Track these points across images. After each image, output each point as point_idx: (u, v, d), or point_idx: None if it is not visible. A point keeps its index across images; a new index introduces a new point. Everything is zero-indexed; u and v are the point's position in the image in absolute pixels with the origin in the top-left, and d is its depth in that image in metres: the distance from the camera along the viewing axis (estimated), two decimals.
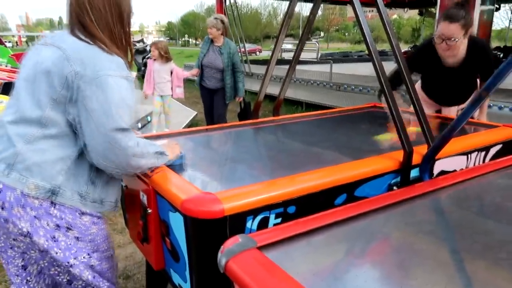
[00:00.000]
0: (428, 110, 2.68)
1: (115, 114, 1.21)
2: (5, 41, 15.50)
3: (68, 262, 1.33)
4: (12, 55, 11.26)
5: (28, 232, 1.25)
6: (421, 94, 2.77)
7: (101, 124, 1.21)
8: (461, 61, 2.36)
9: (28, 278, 1.44)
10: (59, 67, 1.23)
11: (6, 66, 8.64)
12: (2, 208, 1.23)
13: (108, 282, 1.46)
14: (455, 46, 2.26)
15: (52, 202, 1.25)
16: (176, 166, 1.51)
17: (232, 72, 4.59)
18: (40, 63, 1.26)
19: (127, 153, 1.26)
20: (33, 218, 1.24)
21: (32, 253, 1.34)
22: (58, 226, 1.27)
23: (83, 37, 1.28)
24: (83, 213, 1.32)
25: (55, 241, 1.28)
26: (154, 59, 4.93)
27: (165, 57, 4.85)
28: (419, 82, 2.75)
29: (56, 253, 1.30)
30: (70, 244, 1.31)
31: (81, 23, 1.29)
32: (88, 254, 1.37)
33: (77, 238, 1.32)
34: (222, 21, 4.46)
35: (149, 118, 5.36)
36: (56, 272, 1.38)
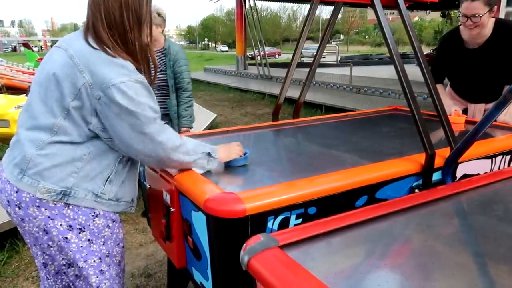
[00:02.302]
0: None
1: (140, 112, 1.23)
2: (32, 46, 15.98)
3: (77, 264, 1.35)
4: (38, 59, 11.62)
5: (44, 230, 1.30)
6: (450, 91, 2.75)
7: (132, 124, 1.23)
8: (485, 41, 2.37)
9: (47, 276, 1.49)
10: (70, 76, 1.22)
11: (34, 69, 8.92)
12: (19, 208, 1.28)
13: None
14: (480, 23, 2.27)
15: (66, 203, 1.28)
16: (239, 167, 1.52)
17: (176, 90, 2.98)
18: (51, 68, 1.26)
19: (166, 147, 1.29)
20: (47, 219, 1.28)
21: (51, 251, 1.37)
22: (70, 226, 1.30)
23: (91, 41, 1.26)
24: (96, 216, 1.34)
25: (67, 242, 1.31)
26: None
27: None
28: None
29: (67, 253, 1.33)
30: (81, 246, 1.33)
31: (93, 26, 1.27)
32: (100, 259, 1.39)
33: (89, 241, 1.34)
34: (159, 14, 2.83)
35: None
36: (69, 272, 1.42)
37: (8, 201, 1.30)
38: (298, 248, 1.02)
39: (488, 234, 1.14)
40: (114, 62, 1.23)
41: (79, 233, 1.31)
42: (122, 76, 1.22)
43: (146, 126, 1.24)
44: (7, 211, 1.35)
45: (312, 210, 1.32)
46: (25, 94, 5.70)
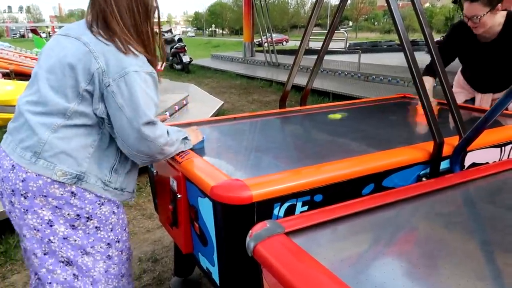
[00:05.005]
0: (463, 98, 2.63)
1: (143, 109, 1.24)
2: (40, 32, 15.99)
3: (84, 250, 1.35)
4: None
5: (49, 220, 1.29)
6: (458, 80, 2.72)
7: (131, 119, 1.24)
8: (496, 36, 2.32)
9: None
10: (85, 62, 1.24)
11: None
12: (25, 198, 1.27)
13: (121, 275, 1.48)
14: (481, 23, 2.23)
15: (72, 193, 1.29)
16: (197, 150, 1.57)
17: None
18: (64, 56, 1.27)
19: (158, 144, 1.31)
20: (54, 208, 1.28)
21: (50, 244, 1.34)
22: (78, 215, 1.31)
23: (101, 35, 1.28)
24: (102, 203, 1.35)
25: (73, 229, 1.32)
26: None
27: None
28: (460, 68, 2.73)
29: (75, 240, 1.33)
30: (88, 233, 1.34)
31: (104, 18, 1.28)
32: (108, 244, 1.40)
33: (97, 228, 1.36)
34: None
35: (176, 107, 5.44)
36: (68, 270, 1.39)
37: (12, 190, 1.28)
38: (304, 235, 1.03)
39: (496, 223, 1.13)
40: (127, 54, 1.27)
41: (87, 221, 1.33)
42: (134, 66, 1.26)
43: (143, 125, 1.25)
44: (5, 202, 1.32)
45: (318, 198, 1.32)
46: None
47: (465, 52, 2.53)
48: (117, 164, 1.38)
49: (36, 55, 8.79)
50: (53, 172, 1.26)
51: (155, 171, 1.76)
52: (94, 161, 1.31)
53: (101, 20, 1.29)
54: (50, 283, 1.35)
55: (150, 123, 1.27)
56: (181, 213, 1.51)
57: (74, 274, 1.35)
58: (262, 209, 1.21)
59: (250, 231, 1.01)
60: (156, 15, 1.40)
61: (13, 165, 1.28)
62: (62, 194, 1.28)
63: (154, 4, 1.37)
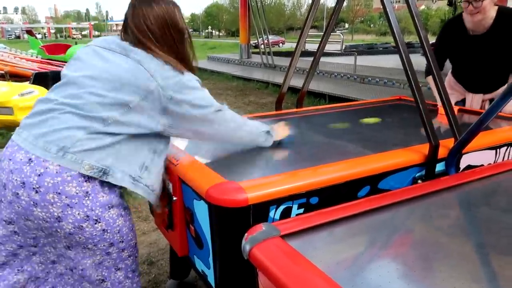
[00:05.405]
0: (454, 100, 2.64)
1: (210, 99, 1.42)
2: (35, 33, 15.92)
3: (86, 246, 1.35)
4: (42, 46, 11.58)
5: (58, 217, 1.29)
6: (449, 81, 2.73)
7: (204, 116, 1.38)
8: (488, 29, 2.34)
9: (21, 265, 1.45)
10: (140, 79, 1.29)
11: (37, 57, 8.89)
12: (36, 192, 1.26)
13: (116, 268, 1.47)
14: (482, 8, 2.25)
15: (87, 193, 1.29)
16: (286, 144, 1.74)
17: None
18: (112, 69, 1.32)
19: (233, 125, 1.50)
20: (65, 206, 1.28)
21: (55, 240, 1.37)
22: (87, 217, 1.31)
23: (146, 53, 1.34)
24: (111, 207, 1.35)
25: (80, 229, 1.32)
26: None
27: None
28: (450, 69, 2.74)
29: (80, 238, 1.33)
30: (95, 234, 1.35)
31: (145, 45, 1.34)
32: (111, 244, 1.40)
33: (104, 231, 1.36)
34: None
35: None
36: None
37: (23, 183, 1.26)
38: (300, 237, 1.03)
39: (491, 225, 1.13)
40: (175, 69, 1.35)
41: (95, 223, 1.33)
42: (187, 76, 1.36)
43: (214, 112, 1.41)
44: (7, 194, 1.30)
45: (314, 200, 1.32)
46: (28, 82, 5.69)
47: (455, 48, 2.53)
48: (149, 161, 1.40)
49: (31, 56, 8.75)
50: (81, 166, 1.27)
51: None
52: (121, 156, 1.33)
53: (142, 46, 1.35)
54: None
55: (217, 107, 1.43)
56: (176, 215, 1.50)
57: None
58: (258, 211, 1.21)
59: (246, 234, 1.01)
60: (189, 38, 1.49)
61: (30, 159, 1.27)
62: (77, 193, 1.28)
63: (184, 26, 1.45)
